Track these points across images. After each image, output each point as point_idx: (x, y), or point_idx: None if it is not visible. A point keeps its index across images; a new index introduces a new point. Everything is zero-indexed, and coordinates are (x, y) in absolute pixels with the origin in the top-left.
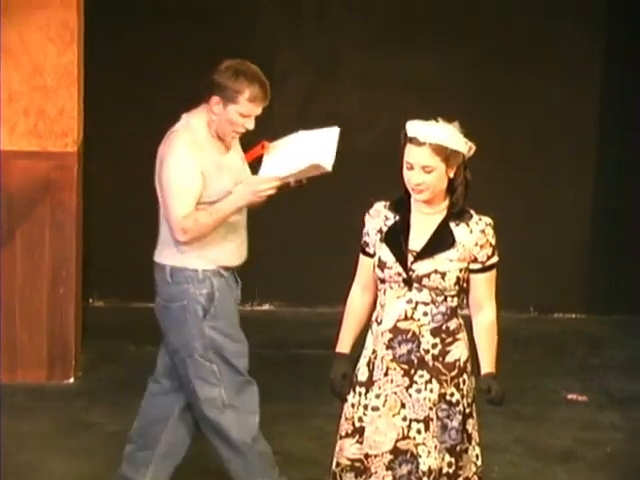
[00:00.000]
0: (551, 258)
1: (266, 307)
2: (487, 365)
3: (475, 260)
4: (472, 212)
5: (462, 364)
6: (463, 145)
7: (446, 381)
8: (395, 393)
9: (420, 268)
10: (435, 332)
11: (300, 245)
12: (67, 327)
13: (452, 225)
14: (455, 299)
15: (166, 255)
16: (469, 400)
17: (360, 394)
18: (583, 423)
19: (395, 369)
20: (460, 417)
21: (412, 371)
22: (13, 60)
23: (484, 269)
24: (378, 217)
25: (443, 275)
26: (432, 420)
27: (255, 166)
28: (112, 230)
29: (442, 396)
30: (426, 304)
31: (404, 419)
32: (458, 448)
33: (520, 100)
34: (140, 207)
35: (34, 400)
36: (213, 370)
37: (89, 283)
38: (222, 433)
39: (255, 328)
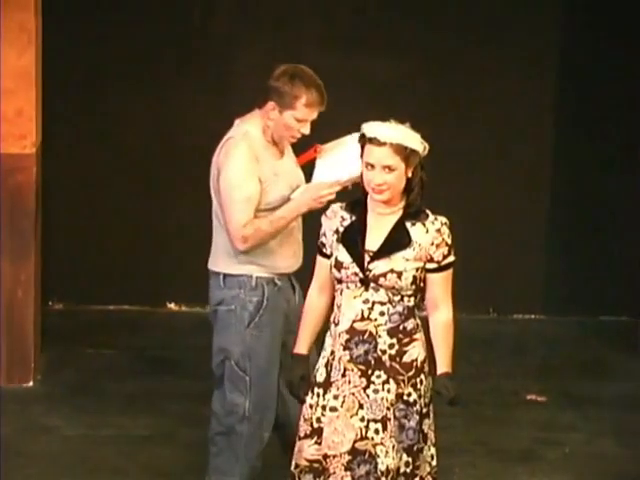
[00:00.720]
0: (509, 259)
1: None
2: (443, 365)
3: (431, 259)
4: (428, 212)
5: (419, 364)
6: (420, 145)
7: (403, 381)
8: (353, 394)
9: (377, 268)
10: (392, 332)
11: None
12: (26, 330)
13: (408, 225)
14: (412, 299)
15: (221, 263)
16: (426, 400)
17: (318, 395)
18: (542, 423)
19: (353, 370)
20: (417, 417)
21: (369, 372)
22: None
23: (440, 268)
24: (335, 218)
25: (399, 275)
26: (390, 420)
27: (306, 169)
28: (71, 233)
29: (399, 396)
30: (383, 304)
31: (362, 420)
32: (415, 448)
33: (475, 100)
34: (100, 210)
35: None
36: (245, 380)
37: (48, 286)
38: (232, 438)
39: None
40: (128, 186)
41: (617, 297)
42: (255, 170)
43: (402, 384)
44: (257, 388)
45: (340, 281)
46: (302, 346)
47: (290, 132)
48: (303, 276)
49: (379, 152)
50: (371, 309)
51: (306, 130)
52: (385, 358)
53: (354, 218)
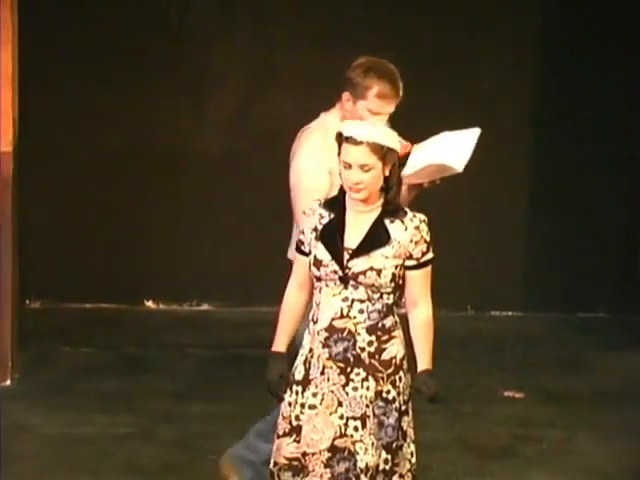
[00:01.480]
0: (488, 257)
1: (205, 307)
2: (424, 362)
3: (410, 257)
4: (406, 209)
5: (398, 361)
6: (397, 143)
7: (382, 378)
8: (332, 391)
9: (356, 266)
10: (371, 330)
11: (237, 245)
12: (3, 329)
13: (387, 222)
14: (391, 296)
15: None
16: (405, 397)
17: (297, 393)
18: (520, 420)
19: (332, 367)
20: (396, 414)
21: (348, 369)
22: None
23: (419, 265)
24: (313, 216)
25: (379, 272)
26: (369, 417)
27: None
28: (48, 231)
29: (378, 393)
30: (362, 302)
31: (341, 417)
32: (394, 445)
33: (456, 99)
34: (77, 209)
35: None
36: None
37: (26, 285)
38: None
39: (194, 328)
40: (104, 185)
41: (594, 294)
42: (326, 161)
43: (381, 381)
44: None
45: (319, 279)
46: (280, 344)
47: None
48: (284, 274)
49: (356, 151)
50: (350, 307)
51: (379, 122)
52: (364, 356)
53: (332, 216)
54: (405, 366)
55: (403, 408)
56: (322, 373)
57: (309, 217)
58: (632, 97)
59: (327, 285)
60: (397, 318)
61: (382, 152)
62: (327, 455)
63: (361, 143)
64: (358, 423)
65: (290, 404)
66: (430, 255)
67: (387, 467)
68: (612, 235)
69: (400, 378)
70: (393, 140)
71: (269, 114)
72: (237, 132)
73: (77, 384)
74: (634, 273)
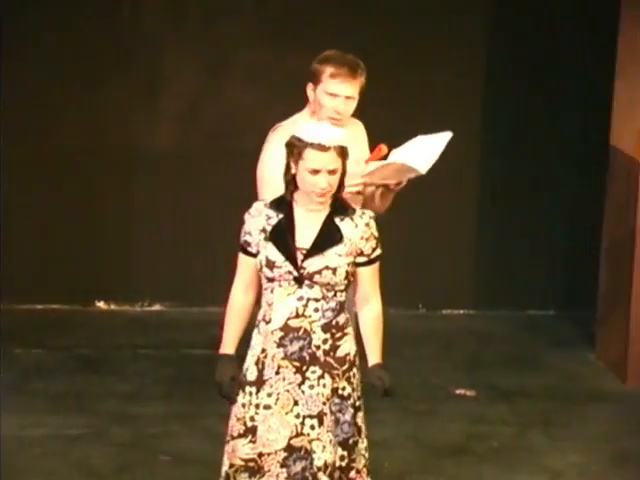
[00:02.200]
0: (439, 255)
1: (156, 307)
2: (375, 356)
3: (361, 253)
4: (354, 206)
5: (352, 358)
6: (346, 140)
7: (338, 375)
8: (287, 391)
9: (311, 265)
10: (326, 328)
11: (189, 245)
12: None
13: (337, 220)
14: (344, 294)
15: None
16: (359, 393)
17: (251, 394)
18: (472, 417)
19: (287, 367)
20: (352, 410)
21: (304, 368)
22: None
23: (370, 262)
24: (259, 216)
25: (334, 270)
26: (326, 415)
27: None
28: None
29: (335, 390)
30: (317, 300)
31: (297, 416)
32: (350, 441)
33: (407, 99)
34: (27, 209)
35: None
36: None
37: None
38: None
39: (146, 329)
40: (55, 184)
41: (545, 292)
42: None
43: (337, 378)
44: None
45: (272, 279)
46: (229, 346)
47: (325, 111)
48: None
49: (324, 157)
50: (306, 306)
51: (340, 107)
52: (319, 353)
53: (281, 216)
54: (357, 362)
55: (357, 404)
56: (277, 373)
57: (254, 218)
58: (581, 97)
59: (280, 285)
60: (348, 315)
61: (344, 153)
62: (283, 455)
63: (329, 149)
64: (315, 421)
65: (244, 405)
66: (379, 251)
67: (344, 463)
68: (562, 234)
69: (354, 374)
70: (346, 138)
71: (222, 111)
72: (190, 129)
73: (28, 385)
74: (583, 270)
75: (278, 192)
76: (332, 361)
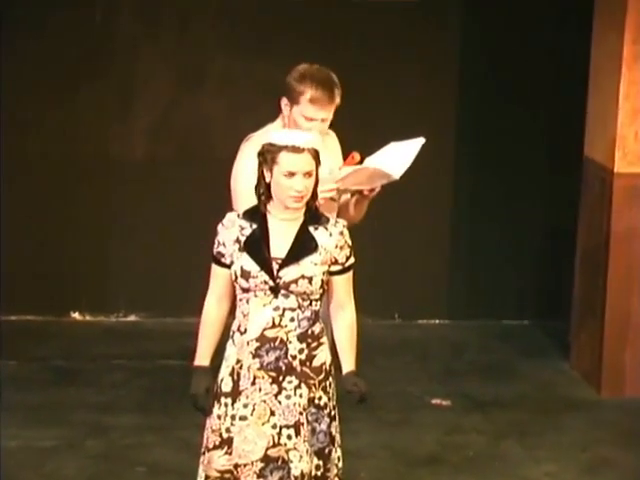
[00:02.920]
0: (414, 265)
1: (132, 318)
2: (350, 364)
3: (336, 262)
4: (327, 215)
5: (327, 367)
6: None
7: (314, 385)
8: (264, 401)
9: (287, 275)
10: (301, 337)
11: (164, 256)
12: None
13: (311, 229)
14: (319, 303)
15: None
16: (334, 403)
17: (226, 405)
18: (447, 427)
19: (263, 377)
20: (328, 420)
21: (280, 378)
22: None
23: (344, 270)
24: (233, 227)
25: (310, 280)
26: (303, 425)
27: None
28: None
29: (311, 400)
30: (293, 310)
31: (274, 427)
32: (326, 451)
33: (378, 108)
34: (0, 219)
35: None
36: None
37: None
38: None
39: (121, 339)
40: (28, 192)
41: (519, 302)
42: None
43: (313, 388)
44: None
45: (247, 290)
46: (204, 358)
47: (300, 129)
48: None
49: (299, 159)
50: (282, 316)
51: (316, 128)
52: (296, 363)
53: (254, 226)
54: (332, 371)
55: (332, 413)
56: (253, 384)
57: (227, 229)
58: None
59: (256, 295)
60: (323, 324)
61: (317, 157)
62: (260, 465)
63: (303, 150)
64: (292, 431)
65: (219, 417)
66: (353, 259)
67: (319, 473)
68: (534, 243)
69: (330, 384)
70: (320, 142)
71: (195, 121)
72: (163, 137)
73: (2, 397)
74: (556, 280)
75: (252, 203)
76: (308, 371)
